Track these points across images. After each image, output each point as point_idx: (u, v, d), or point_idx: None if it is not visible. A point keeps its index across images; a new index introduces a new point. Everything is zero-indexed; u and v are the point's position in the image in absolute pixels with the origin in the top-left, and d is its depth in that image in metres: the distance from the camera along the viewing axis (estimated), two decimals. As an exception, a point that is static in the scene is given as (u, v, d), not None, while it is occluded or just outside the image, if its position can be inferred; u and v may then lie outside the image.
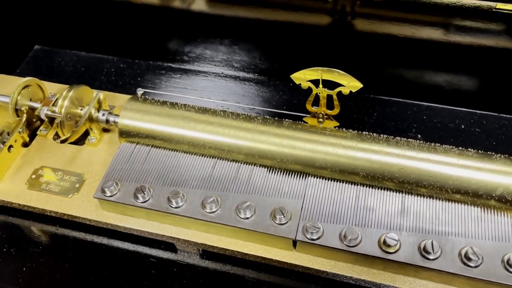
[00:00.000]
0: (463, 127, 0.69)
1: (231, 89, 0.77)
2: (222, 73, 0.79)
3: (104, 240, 0.61)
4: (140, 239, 0.60)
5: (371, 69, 0.75)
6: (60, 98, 0.63)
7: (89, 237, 0.61)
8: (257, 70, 0.78)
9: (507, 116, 0.70)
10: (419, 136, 0.68)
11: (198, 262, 0.58)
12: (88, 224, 0.60)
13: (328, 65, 0.80)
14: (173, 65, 0.80)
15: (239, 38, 0.79)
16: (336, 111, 0.63)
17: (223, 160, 0.59)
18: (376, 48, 0.74)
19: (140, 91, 0.69)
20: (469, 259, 0.49)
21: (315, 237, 0.52)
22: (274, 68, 0.78)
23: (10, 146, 0.64)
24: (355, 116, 0.72)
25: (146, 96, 0.64)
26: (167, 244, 0.59)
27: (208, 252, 0.58)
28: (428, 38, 0.70)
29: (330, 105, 0.62)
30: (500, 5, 0.58)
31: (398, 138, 0.57)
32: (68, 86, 0.65)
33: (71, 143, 0.66)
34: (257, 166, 0.58)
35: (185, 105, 0.62)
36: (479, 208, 0.53)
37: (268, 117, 0.61)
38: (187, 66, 0.80)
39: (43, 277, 0.57)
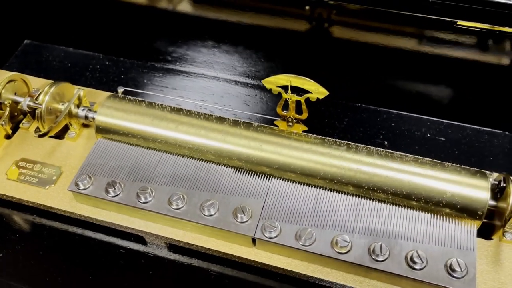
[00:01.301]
0: (429, 135, 0.72)
1: (210, 90, 0.80)
2: (203, 74, 0.82)
3: (79, 231, 0.64)
4: (111, 231, 0.63)
5: (344, 76, 0.78)
6: (42, 93, 0.66)
7: (64, 227, 0.64)
8: (236, 72, 0.81)
9: (472, 126, 0.72)
10: (386, 142, 0.71)
11: (166, 254, 0.62)
12: (63, 215, 0.64)
13: (304, 70, 0.83)
14: (156, 64, 0.83)
15: (220, 40, 0.82)
16: (304, 115, 0.66)
17: (193, 159, 0.62)
18: (351, 55, 0.76)
19: (120, 89, 0.72)
20: (414, 262, 0.52)
21: (272, 236, 0.55)
22: (252, 72, 0.81)
23: (-7, 138, 0.67)
24: (326, 121, 0.75)
25: (125, 95, 0.67)
26: (137, 237, 0.63)
27: (175, 246, 0.61)
28: (401, 47, 0.73)
29: (299, 110, 0.65)
30: (461, 22, 0.61)
31: (358, 144, 0.59)
32: (51, 82, 0.68)
33: (52, 137, 0.69)
34: (224, 166, 0.61)
35: (160, 105, 0.65)
36: (429, 214, 0.56)
37: (238, 119, 0.63)
38: (169, 66, 0.83)
39: (18, 263, 0.61)
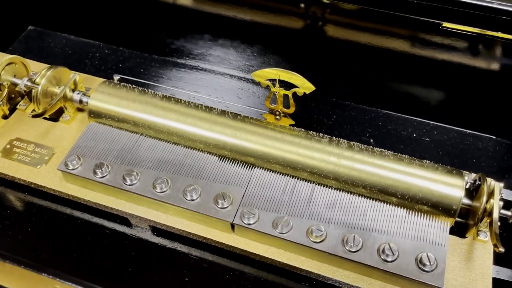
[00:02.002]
0: (414, 135, 0.73)
1: (204, 82, 0.82)
2: (198, 66, 0.84)
3: (67, 210, 0.66)
4: (98, 212, 0.65)
5: (335, 74, 0.80)
6: (40, 75, 0.68)
7: (53, 206, 0.67)
8: (230, 66, 0.83)
9: (457, 129, 0.74)
10: (372, 140, 0.72)
11: (149, 237, 0.63)
12: (53, 194, 0.66)
13: (297, 66, 0.85)
14: (153, 55, 0.85)
15: (217, 35, 0.84)
16: (291, 110, 0.68)
17: (179, 146, 0.64)
18: (342, 54, 0.78)
19: (116, 76, 0.75)
20: (386, 254, 0.53)
21: (251, 222, 0.57)
22: (246, 66, 0.82)
23: (-10, 117, 0.70)
24: (315, 117, 0.76)
25: (120, 82, 0.69)
26: (122, 219, 0.65)
27: (158, 229, 0.63)
28: (392, 48, 0.74)
29: (288, 105, 0.66)
30: (446, 24, 0.62)
31: (340, 139, 0.61)
32: (49, 66, 0.71)
33: (47, 119, 0.71)
34: (209, 154, 0.63)
35: (152, 92, 0.67)
36: (404, 209, 0.57)
37: (226, 110, 0.65)
38: (166, 57, 0.85)
39: (6, 238, 0.63)
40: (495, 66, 0.71)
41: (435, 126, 0.75)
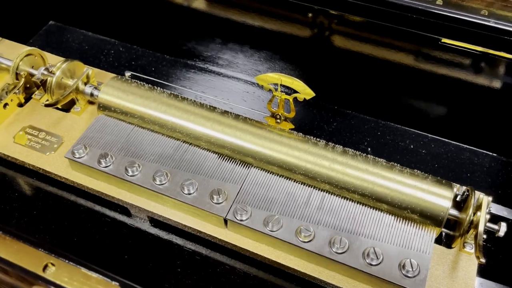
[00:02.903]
0: (412, 147, 0.75)
1: (211, 83, 0.85)
2: (207, 68, 0.87)
3: (72, 197, 0.69)
4: (101, 201, 0.68)
5: (338, 83, 0.82)
6: (55, 67, 0.72)
7: (59, 192, 0.70)
8: (238, 70, 0.86)
9: (455, 143, 0.75)
10: (369, 149, 0.74)
11: (147, 228, 0.66)
12: (59, 180, 0.69)
13: (302, 73, 0.87)
14: (165, 55, 0.89)
15: (227, 39, 0.87)
16: (292, 114, 0.70)
17: (180, 142, 0.66)
18: (346, 64, 0.80)
19: (127, 73, 0.78)
20: (370, 258, 0.55)
21: (243, 218, 0.59)
22: (253, 70, 0.85)
23: (6, 104, 0.73)
24: (316, 123, 0.78)
25: (131, 79, 0.72)
26: (123, 208, 0.67)
27: (156, 220, 0.66)
28: (395, 61, 0.76)
29: (288, 109, 0.69)
30: (445, 40, 0.64)
31: (336, 145, 0.63)
32: (64, 59, 0.74)
33: (59, 109, 0.75)
34: (209, 152, 0.66)
35: (159, 90, 0.70)
36: (392, 216, 0.59)
37: (228, 111, 0.68)
38: (177, 58, 0.88)
39: (12, 219, 0.66)
40: (495, 84, 0.72)
41: (433, 139, 0.76)
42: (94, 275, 0.53)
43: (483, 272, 0.61)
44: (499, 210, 0.66)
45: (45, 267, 0.51)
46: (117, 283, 0.53)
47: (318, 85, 0.80)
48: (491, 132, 0.75)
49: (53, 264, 0.51)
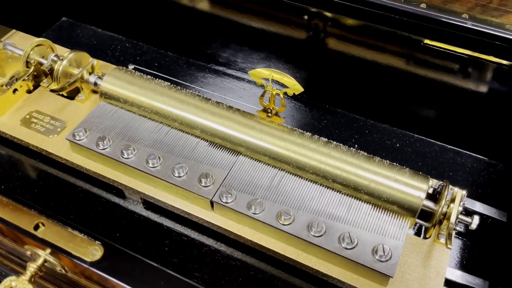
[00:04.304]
0: (398, 145, 0.78)
1: (210, 79, 0.89)
2: (207, 65, 0.91)
3: (71, 179, 0.73)
4: (98, 183, 0.72)
5: (331, 83, 0.85)
6: (63, 56, 0.77)
7: (60, 174, 0.74)
8: (236, 68, 0.90)
9: (439, 143, 0.78)
10: (356, 146, 0.77)
11: (139, 210, 0.70)
12: (60, 162, 0.73)
13: (296, 73, 0.91)
14: (168, 52, 0.93)
15: (227, 38, 0.91)
16: (282, 109, 0.74)
17: (175, 129, 0.70)
18: (339, 65, 0.84)
19: (131, 66, 0.83)
20: (346, 242, 0.58)
21: (228, 201, 0.62)
22: (250, 69, 0.89)
23: (15, 90, 0.78)
24: (306, 120, 0.82)
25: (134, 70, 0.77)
26: (118, 190, 0.71)
27: (148, 203, 0.70)
28: (385, 64, 0.79)
29: (279, 103, 0.72)
30: (427, 41, 0.67)
31: (320, 137, 0.66)
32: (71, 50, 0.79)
33: (64, 96, 0.79)
34: (201, 139, 0.69)
35: (158, 81, 0.74)
36: (370, 205, 0.62)
37: (221, 102, 0.72)
38: (179, 55, 0.93)
39: (9, 198, 0.70)
40: (479, 86, 0.75)
41: (419, 139, 0.79)
42: (79, 234, 0.57)
43: (459, 264, 0.64)
44: (480, 208, 0.69)
45: (36, 227, 0.55)
46: (100, 242, 0.57)
47: (311, 84, 0.83)
48: (474, 134, 0.77)
49: (43, 224, 0.55)
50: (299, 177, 0.65)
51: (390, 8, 0.67)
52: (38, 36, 0.97)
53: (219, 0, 0.87)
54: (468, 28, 0.63)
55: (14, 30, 0.93)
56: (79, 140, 0.69)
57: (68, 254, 0.56)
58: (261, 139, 0.66)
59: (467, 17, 0.63)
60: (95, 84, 0.77)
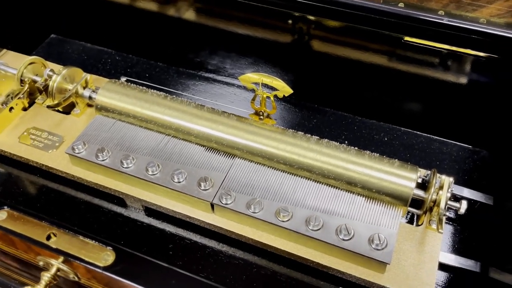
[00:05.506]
0: (386, 139, 0.81)
1: (201, 87, 0.91)
2: (196, 73, 0.93)
3: (72, 192, 0.75)
4: (99, 193, 0.74)
5: (318, 83, 0.88)
6: (57, 72, 0.79)
7: (60, 187, 0.76)
8: (225, 74, 0.93)
9: (425, 134, 0.81)
10: (346, 142, 0.80)
11: (142, 217, 0.72)
12: (61, 176, 0.75)
13: (284, 75, 0.94)
14: (158, 63, 0.96)
15: (215, 46, 0.94)
16: (273, 111, 0.76)
17: (171, 137, 0.73)
18: (325, 66, 0.87)
19: (123, 78, 0.85)
20: (343, 234, 0.61)
21: (228, 202, 0.65)
22: (240, 74, 0.92)
23: (11, 108, 0.80)
24: (297, 120, 0.85)
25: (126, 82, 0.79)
26: (119, 200, 0.73)
27: (149, 209, 0.72)
28: (368, 62, 0.83)
29: (270, 106, 0.75)
30: (408, 38, 0.70)
31: (311, 135, 0.69)
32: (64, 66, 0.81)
33: (60, 111, 0.81)
34: (197, 145, 0.72)
35: (151, 91, 0.76)
36: (364, 198, 0.65)
37: (214, 108, 0.74)
38: (168, 65, 0.95)
39: (20, 212, 0.72)
40: (460, 79, 0.78)
41: (406, 131, 0.82)
42: (91, 241, 0.59)
43: (451, 248, 0.67)
44: (467, 193, 0.72)
45: (48, 237, 0.57)
46: (111, 247, 0.59)
47: (299, 86, 0.86)
48: (458, 123, 0.81)
49: (55, 235, 0.57)
50: (295, 175, 0.67)
51: (370, 9, 0.70)
52: (29, 54, 0.99)
53: (205, 10, 0.90)
54: (445, 24, 0.67)
55: (4, 50, 0.94)
56: (78, 153, 0.71)
57: (82, 260, 0.59)
58: (255, 141, 0.69)
59: (443, 14, 0.67)
60: (90, 98, 0.79)
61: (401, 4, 0.68)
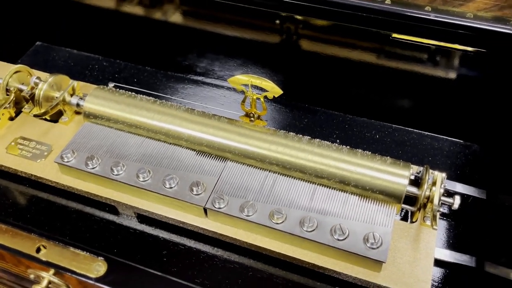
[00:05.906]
0: (377, 137, 0.81)
1: (190, 90, 0.91)
2: (185, 76, 0.93)
3: (63, 201, 0.74)
4: (90, 202, 0.73)
5: (308, 83, 0.88)
6: (43, 81, 0.78)
7: (51, 197, 0.75)
8: (215, 76, 0.92)
9: (416, 131, 0.81)
10: (338, 141, 0.80)
11: (134, 224, 0.71)
12: (50, 185, 0.74)
13: (274, 76, 0.93)
14: (146, 67, 0.95)
15: (203, 48, 0.93)
16: (264, 112, 0.76)
17: (161, 142, 0.72)
18: (314, 65, 0.86)
19: (111, 84, 0.84)
20: (338, 234, 0.60)
21: (221, 206, 0.64)
22: (229, 76, 0.91)
23: (-2, 118, 0.79)
24: (288, 121, 0.84)
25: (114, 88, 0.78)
26: (111, 207, 0.72)
27: (142, 216, 0.71)
28: (358, 60, 0.82)
29: (261, 107, 0.75)
30: (396, 35, 0.70)
31: (302, 136, 0.69)
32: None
33: (47, 120, 0.80)
34: (188, 149, 0.71)
35: (139, 96, 0.75)
36: (357, 196, 0.64)
37: (203, 111, 0.73)
38: (157, 69, 0.94)
39: (8, 225, 0.70)
40: (449, 74, 0.78)
41: (397, 128, 0.82)
42: (82, 252, 0.58)
43: (446, 243, 0.67)
44: (460, 188, 0.72)
45: (38, 250, 0.56)
46: (102, 258, 0.58)
47: (289, 86, 0.86)
48: (448, 118, 0.81)
49: (44, 247, 0.56)
50: (287, 176, 0.67)
51: (357, 7, 0.70)
52: (14, 63, 0.98)
53: (191, 12, 0.89)
54: (432, 19, 0.67)
55: (-11, 59, 0.93)
56: (67, 161, 0.70)
57: (73, 272, 0.58)
58: (247, 143, 0.68)
59: (429, 10, 0.67)
60: (78, 105, 0.78)
61: (388, 1, 0.68)
